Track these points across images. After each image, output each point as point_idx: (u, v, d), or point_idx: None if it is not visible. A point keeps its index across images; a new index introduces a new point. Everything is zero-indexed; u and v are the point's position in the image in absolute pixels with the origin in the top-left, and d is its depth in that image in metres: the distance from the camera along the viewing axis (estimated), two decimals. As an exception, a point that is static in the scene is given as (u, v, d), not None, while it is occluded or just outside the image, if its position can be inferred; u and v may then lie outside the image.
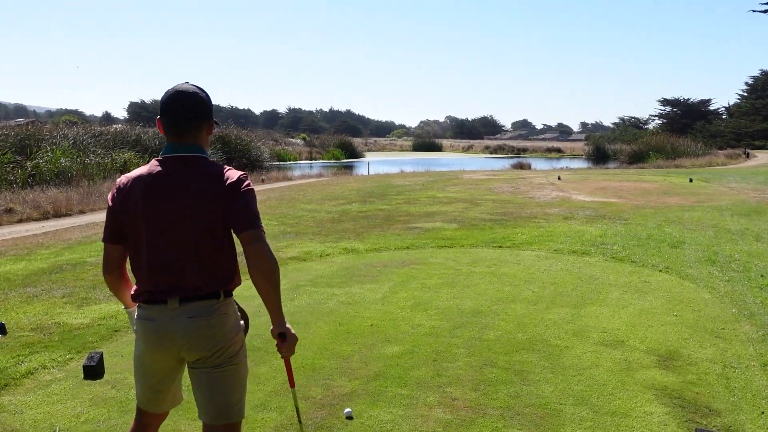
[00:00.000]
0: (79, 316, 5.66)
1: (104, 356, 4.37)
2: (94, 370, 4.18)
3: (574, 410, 3.69)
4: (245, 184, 2.30)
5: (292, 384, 2.56)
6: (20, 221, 14.50)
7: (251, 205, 2.28)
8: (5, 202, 16.07)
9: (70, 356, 4.59)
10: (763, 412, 3.68)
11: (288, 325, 2.32)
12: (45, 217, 15.15)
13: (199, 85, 2.40)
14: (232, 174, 2.30)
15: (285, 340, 2.31)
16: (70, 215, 15.72)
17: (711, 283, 6.74)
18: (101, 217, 14.95)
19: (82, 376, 4.18)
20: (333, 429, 3.46)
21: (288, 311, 5.52)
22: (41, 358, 4.55)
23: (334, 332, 5.15)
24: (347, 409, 3.64)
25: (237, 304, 2.47)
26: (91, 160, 23.52)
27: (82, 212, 16.27)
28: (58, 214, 15.64)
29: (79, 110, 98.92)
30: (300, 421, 2.76)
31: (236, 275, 2.41)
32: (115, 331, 5.21)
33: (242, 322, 2.48)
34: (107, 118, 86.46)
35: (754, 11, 30.29)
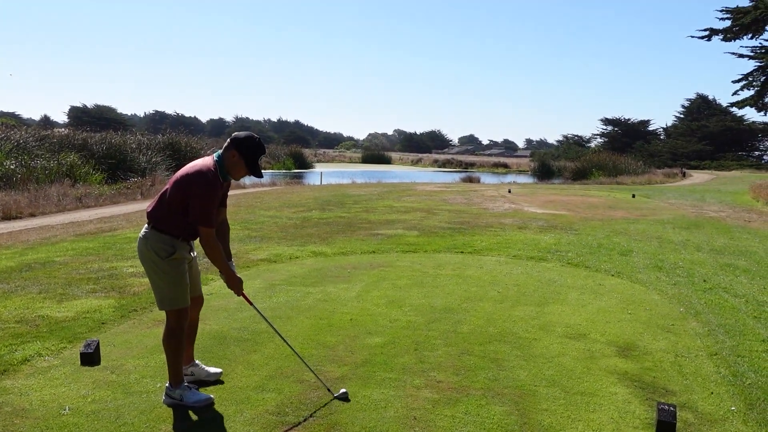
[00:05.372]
0: (62, 310, 5.73)
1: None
2: (91, 357, 4.32)
3: (548, 391, 4.07)
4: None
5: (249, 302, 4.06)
6: (-31, 223, 14.11)
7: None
8: (-48, 203, 15.60)
9: (62, 345, 4.70)
10: (712, 393, 4.14)
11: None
12: (-6, 219, 14.77)
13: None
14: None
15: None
16: (20, 218, 15.37)
17: (659, 287, 7.29)
18: (54, 220, 14.71)
19: (79, 362, 4.31)
20: (331, 407, 3.73)
21: (267, 306, 5.79)
22: (34, 346, 4.64)
23: (317, 325, 5.41)
24: (342, 390, 3.91)
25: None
26: (37, 163, 22.93)
27: (32, 215, 15.92)
28: (7, 217, 15.28)
29: (16, 113, 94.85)
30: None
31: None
32: (102, 323, 5.33)
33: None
34: (46, 122, 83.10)
35: (692, 37, 32.17)
